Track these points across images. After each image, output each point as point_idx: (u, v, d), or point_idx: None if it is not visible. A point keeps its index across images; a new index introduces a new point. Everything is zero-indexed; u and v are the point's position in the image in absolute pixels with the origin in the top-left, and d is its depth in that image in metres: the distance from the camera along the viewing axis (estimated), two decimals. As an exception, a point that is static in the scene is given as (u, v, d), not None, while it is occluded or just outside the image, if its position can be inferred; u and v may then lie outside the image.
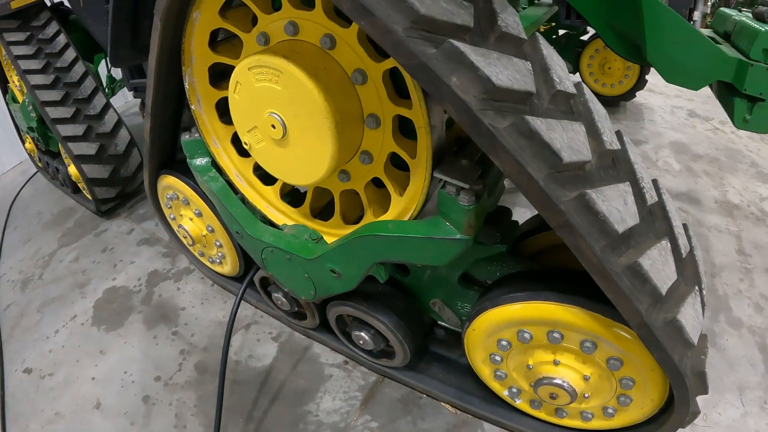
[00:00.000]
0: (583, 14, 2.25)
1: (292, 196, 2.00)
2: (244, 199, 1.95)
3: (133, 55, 2.15)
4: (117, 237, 3.10)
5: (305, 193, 1.88)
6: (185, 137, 1.93)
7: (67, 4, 3.25)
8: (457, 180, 1.30)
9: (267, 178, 1.91)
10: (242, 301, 2.43)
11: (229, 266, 2.36)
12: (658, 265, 1.18)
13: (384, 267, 1.60)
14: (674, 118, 4.44)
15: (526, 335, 1.48)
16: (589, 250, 1.07)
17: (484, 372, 1.74)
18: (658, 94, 5.16)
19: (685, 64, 2.20)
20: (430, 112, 1.28)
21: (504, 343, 1.56)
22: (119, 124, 3.14)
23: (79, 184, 3.35)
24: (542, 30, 4.59)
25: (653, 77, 4.41)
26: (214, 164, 1.95)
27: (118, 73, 4.04)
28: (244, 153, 1.86)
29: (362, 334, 1.92)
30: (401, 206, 1.55)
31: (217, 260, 2.39)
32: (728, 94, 2.35)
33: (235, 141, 1.85)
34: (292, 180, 1.59)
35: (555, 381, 1.49)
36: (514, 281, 1.56)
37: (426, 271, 1.84)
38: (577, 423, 1.67)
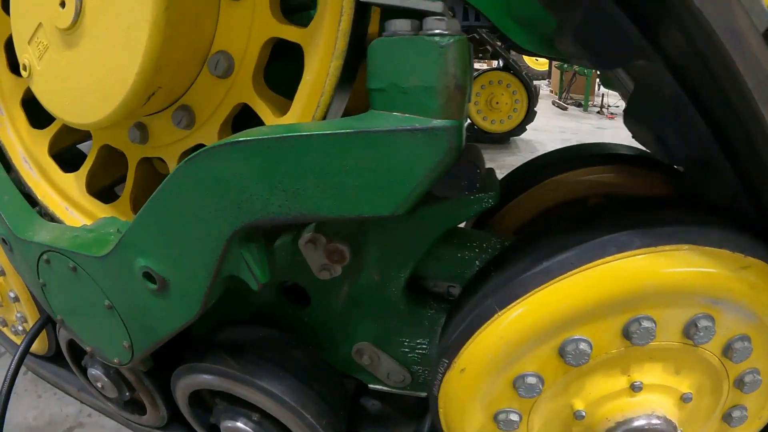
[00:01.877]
0: (482, 10, 1.78)
1: (107, 193, 1.20)
2: (30, 195, 1.13)
3: None
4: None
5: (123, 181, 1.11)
6: None
7: None
8: None
9: (68, 161, 1.23)
10: (64, 394, 1.54)
11: (32, 333, 1.46)
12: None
13: (257, 249, 0.77)
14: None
15: (582, 347, 0.73)
16: None
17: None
18: (546, 131, 5.14)
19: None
20: None
21: (530, 380, 0.79)
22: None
23: None
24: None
25: (541, 118, 4.37)
26: None
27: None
28: (37, 123, 1.23)
29: (239, 425, 0.98)
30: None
31: (20, 328, 1.59)
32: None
33: (28, 104, 1.22)
34: (92, 113, 0.88)
35: (638, 423, 0.76)
36: (526, 253, 0.80)
37: (339, 288, 0.97)
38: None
